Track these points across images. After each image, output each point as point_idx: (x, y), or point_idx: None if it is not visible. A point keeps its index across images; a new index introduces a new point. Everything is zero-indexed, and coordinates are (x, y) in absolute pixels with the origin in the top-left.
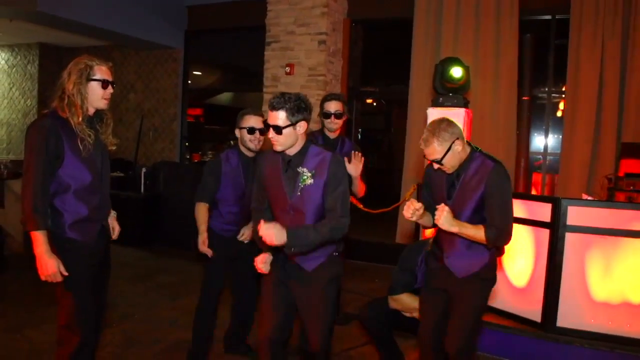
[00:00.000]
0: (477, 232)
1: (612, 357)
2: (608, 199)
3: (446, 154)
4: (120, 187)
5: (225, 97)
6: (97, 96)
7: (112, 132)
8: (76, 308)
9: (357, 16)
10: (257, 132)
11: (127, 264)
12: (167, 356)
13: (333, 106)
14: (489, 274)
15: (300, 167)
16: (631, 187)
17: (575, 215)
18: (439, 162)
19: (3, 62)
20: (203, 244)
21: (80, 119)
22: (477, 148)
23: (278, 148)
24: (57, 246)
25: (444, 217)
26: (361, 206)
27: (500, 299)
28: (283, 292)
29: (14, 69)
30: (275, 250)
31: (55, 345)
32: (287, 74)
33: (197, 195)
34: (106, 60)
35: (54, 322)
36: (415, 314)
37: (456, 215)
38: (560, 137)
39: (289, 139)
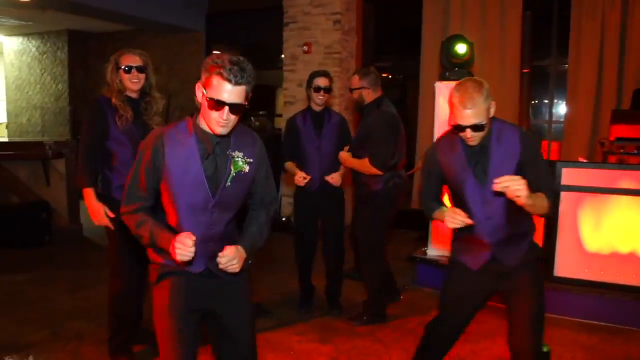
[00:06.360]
0: (542, 201)
1: (602, 301)
2: (603, 161)
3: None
4: None
5: None
6: (126, 81)
7: (157, 114)
8: (115, 256)
9: None
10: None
11: None
12: None
13: (322, 81)
14: (538, 249)
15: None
16: (621, 150)
17: (568, 176)
18: (480, 128)
19: (34, 49)
20: None
21: (115, 100)
22: None
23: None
24: (104, 204)
25: (526, 187)
26: None
27: None
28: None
29: (45, 55)
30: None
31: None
32: (304, 52)
33: None
34: (137, 47)
35: (106, 284)
36: None
37: (492, 194)
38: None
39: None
